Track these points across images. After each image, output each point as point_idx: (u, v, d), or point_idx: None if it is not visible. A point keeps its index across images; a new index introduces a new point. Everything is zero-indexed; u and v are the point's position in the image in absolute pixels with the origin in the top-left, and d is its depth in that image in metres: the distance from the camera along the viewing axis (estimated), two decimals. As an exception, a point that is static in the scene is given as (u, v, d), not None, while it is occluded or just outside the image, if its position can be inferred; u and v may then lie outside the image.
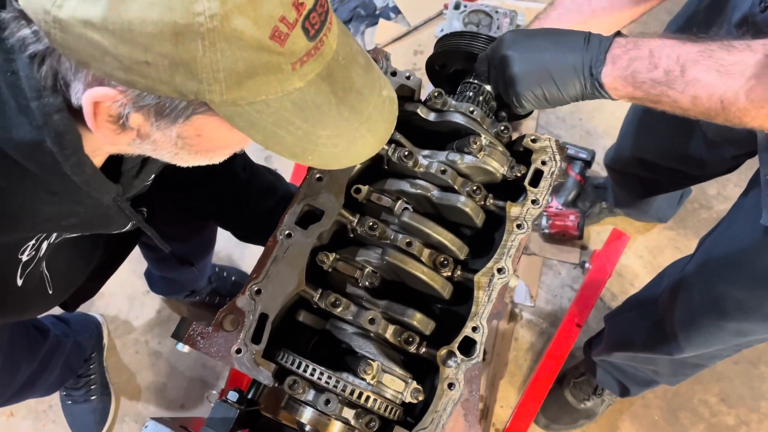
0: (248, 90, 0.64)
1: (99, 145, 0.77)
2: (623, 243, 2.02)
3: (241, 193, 1.41)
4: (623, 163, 1.80)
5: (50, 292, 1.09)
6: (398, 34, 2.58)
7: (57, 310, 1.98)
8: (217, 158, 0.80)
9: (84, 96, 0.65)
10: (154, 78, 0.62)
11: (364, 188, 1.04)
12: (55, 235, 0.97)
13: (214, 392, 1.60)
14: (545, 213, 2.22)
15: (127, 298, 2.22)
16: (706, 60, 0.84)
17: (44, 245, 0.95)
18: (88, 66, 0.63)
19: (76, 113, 0.69)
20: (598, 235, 2.28)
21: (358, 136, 0.73)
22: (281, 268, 0.96)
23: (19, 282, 0.97)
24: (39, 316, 1.72)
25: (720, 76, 0.83)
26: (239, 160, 1.40)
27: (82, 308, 2.13)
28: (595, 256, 2.10)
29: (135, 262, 2.16)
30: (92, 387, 2.00)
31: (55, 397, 2.04)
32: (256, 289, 0.95)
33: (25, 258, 0.94)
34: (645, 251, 2.26)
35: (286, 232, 0.98)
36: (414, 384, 0.97)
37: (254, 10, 0.61)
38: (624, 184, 1.97)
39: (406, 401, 0.97)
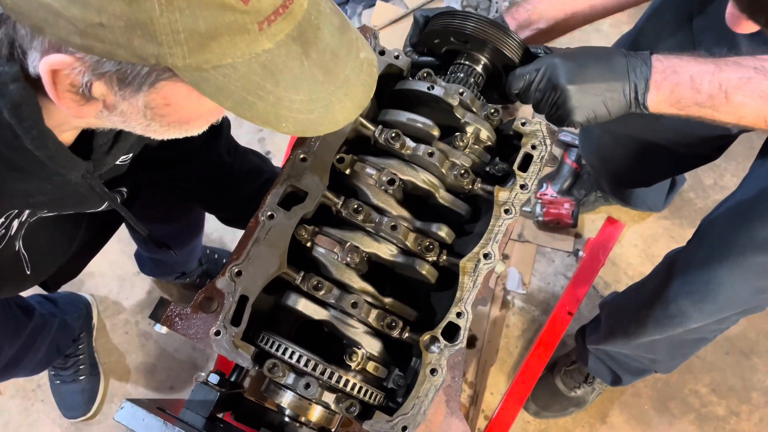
0: (212, 53, 0.61)
1: (64, 118, 0.74)
2: (617, 231, 2.01)
3: (226, 176, 1.38)
4: (603, 149, 1.75)
5: (28, 272, 1.07)
6: (395, 17, 2.55)
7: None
8: (192, 130, 0.77)
9: (41, 64, 0.62)
10: (110, 41, 0.59)
11: (348, 157, 1.01)
12: (27, 213, 0.94)
13: (203, 374, 1.58)
14: (540, 200, 2.20)
15: (117, 279, 2.21)
16: (746, 85, 0.94)
17: (15, 224, 0.92)
18: (42, 31, 0.60)
19: (37, 85, 0.66)
20: (592, 223, 2.27)
21: (334, 100, 0.69)
22: (262, 249, 0.94)
23: None
24: (25, 296, 1.70)
25: (763, 101, 0.94)
26: (224, 142, 1.37)
27: (72, 288, 2.13)
28: (589, 244, 2.08)
29: (125, 243, 2.14)
30: (81, 367, 2.00)
31: (44, 377, 2.04)
32: (236, 270, 0.93)
33: None
34: (639, 240, 2.24)
35: (269, 213, 0.96)
36: (396, 371, 0.95)
37: None
38: (605, 175, 1.94)
39: (389, 387, 0.96)
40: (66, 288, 2.10)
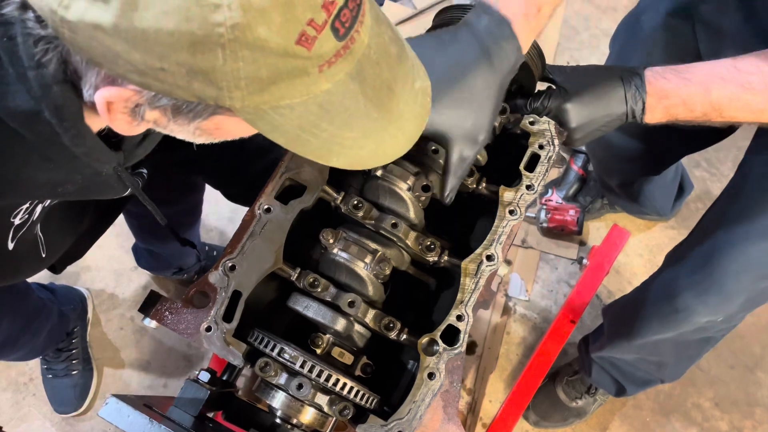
0: (271, 95, 0.60)
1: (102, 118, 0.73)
2: (623, 240, 1.97)
3: (236, 151, 1.36)
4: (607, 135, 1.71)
5: (44, 255, 1.06)
6: (404, 17, 2.52)
7: (42, 279, 1.95)
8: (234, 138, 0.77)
9: (96, 96, 0.62)
10: (170, 83, 0.58)
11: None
12: (48, 201, 0.93)
13: (196, 372, 1.56)
14: (545, 207, 2.17)
15: (114, 273, 2.18)
16: (736, 102, 1.00)
17: (38, 209, 0.92)
18: (100, 66, 0.59)
19: (78, 86, 0.66)
20: (597, 231, 2.23)
21: (386, 136, 0.68)
22: (258, 243, 0.91)
23: (10, 246, 0.93)
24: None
25: (753, 114, 1.02)
26: None
27: (68, 281, 2.11)
28: (594, 252, 2.05)
29: (123, 237, 2.12)
30: (74, 361, 1.97)
31: (36, 370, 2.01)
32: (230, 264, 0.90)
33: (17, 222, 0.91)
34: (645, 250, 2.20)
35: (265, 206, 0.93)
36: (364, 359, 0.92)
37: (280, 15, 0.55)
38: (610, 166, 1.89)
39: (356, 375, 0.93)
40: (62, 281, 2.08)
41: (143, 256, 2.00)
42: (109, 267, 2.19)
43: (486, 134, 0.90)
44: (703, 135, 1.48)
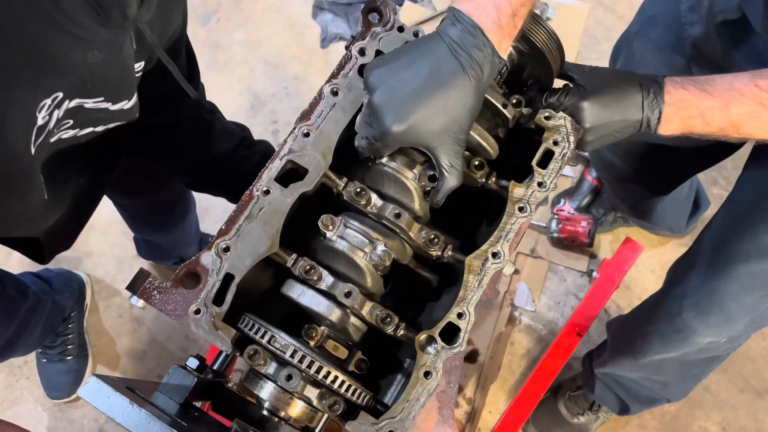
0: None
1: None
2: (635, 254, 1.92)
3: (203, 132, 1.32)
4: (609, 160, 1.66)
5: (45, 197, 1.03)
6: (423, 18, 2.50)
7: (38, 268, 1.92)
8: None
9: None
10: None
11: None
12: (65, 106, 0.91)
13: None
14: (556, 216, 2.12)
15: (115, 260, 2.16)
16: (755, 120, 0.97)
17: (55, 114, 0.90)
18: None
19: None
20: (609, 244, 2.18)
21: None
22: (255, 226, 0.88)
23: (33, 150, 0.91)
24: (18, 275, 1.66)
25: None
26: (207, 104, 1.34)
27: (69, 266, 2.08)
28: (605, 265, 2.00)
29: (126, 225, 2.10)
30: (69, 347, 1.94)
31: (32, 354, 1.98)
32: (224, 246, 0.86)
33: (40, 121, 0.88)
34: (657, 266, 2.15)
35: (264, 188, 0.89)
36: (359, 354, 0.88)
37: None
38: (619, 189, 1.84)
39: (349, 370, 0.89)
40: (62, 266, 2.06)
41: (142, 246, 1.98)
42: (111, 254, 2.16)
43: (465, 136, 0.88)
44: (713, 150, 1.43)
